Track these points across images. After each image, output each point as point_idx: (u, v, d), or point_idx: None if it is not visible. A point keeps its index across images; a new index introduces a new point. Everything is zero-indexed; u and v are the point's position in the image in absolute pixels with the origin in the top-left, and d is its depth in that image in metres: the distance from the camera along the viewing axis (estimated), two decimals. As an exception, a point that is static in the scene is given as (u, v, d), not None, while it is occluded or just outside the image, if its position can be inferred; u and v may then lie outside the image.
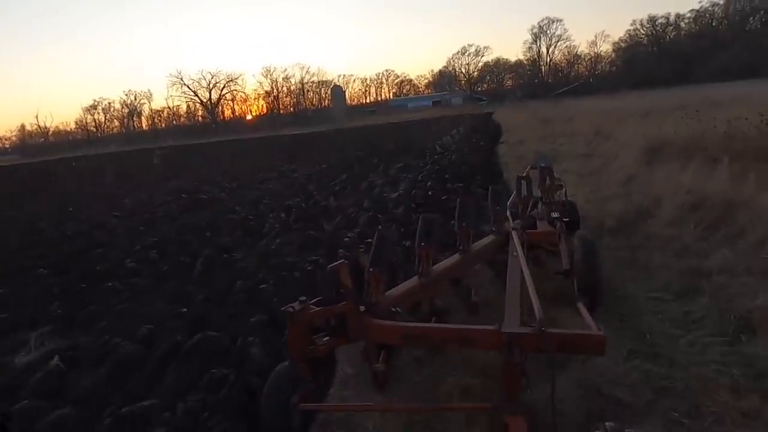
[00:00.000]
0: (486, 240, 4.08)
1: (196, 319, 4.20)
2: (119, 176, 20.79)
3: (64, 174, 26.84)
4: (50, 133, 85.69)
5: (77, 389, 3.33)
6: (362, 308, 2.63)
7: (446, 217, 5.95)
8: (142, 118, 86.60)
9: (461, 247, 3.70)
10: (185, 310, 4.50)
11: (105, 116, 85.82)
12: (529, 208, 5.10)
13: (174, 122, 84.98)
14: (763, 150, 6.59)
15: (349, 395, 2.89)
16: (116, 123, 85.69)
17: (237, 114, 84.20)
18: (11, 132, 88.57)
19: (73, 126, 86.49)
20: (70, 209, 12.10)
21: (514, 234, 3.82)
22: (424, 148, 16.47)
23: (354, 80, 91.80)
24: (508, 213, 4.64)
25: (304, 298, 2.53)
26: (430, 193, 8.71)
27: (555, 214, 4.27)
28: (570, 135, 14.28)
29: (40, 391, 3.34)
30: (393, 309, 2.90)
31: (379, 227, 3.81)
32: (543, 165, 5.17)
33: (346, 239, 6.18)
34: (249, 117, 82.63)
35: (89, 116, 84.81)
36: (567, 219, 4.24)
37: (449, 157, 13.75)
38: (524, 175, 5.47)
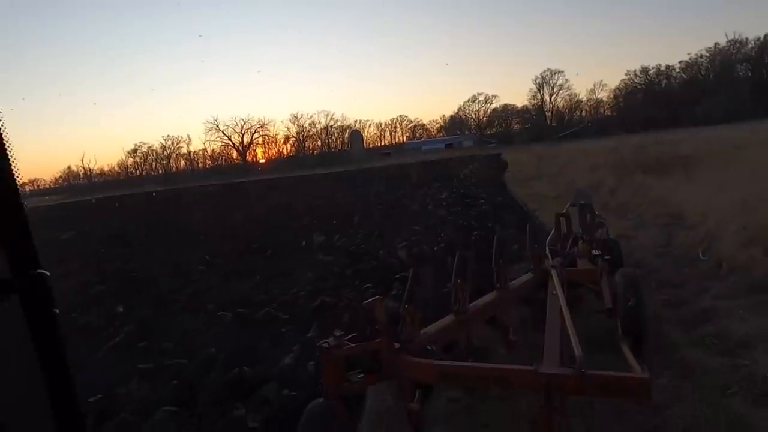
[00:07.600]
0: (524, 278, 4.02)
1: (384, 230, 10.45)
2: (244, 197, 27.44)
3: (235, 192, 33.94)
4: (93, 174, 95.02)
5: (370, 242, 9.54)
6: (397, 345, 2.60)
7: (469, 208, 12.18)
8: (180, 160, 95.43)
9: (498, 285, 3.59)
10: (368, 225, 10.75)
11: (145, 159, 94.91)
12: (569, 246, 4.99)
13: (203, 165, 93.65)
14: (641, 165, 12.89)
15: None
16: (153, 165, 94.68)
17: (267, 156, 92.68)
18: (57, 174, 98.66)
19: (116, 167, 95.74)
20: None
21: (553, 272, 3.70)
22: (452, 176, 23.06)
23: (370, 125, 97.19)
24: (547, 250, 4.56)
25: (339, 333, 2.51)
26: (463, 193, 15.14)
27: (596, 252, 4.22)
28: (552, 164, 20.90)
29: (363, 240, 9.54)
30: (428, 347, 2.83)
31: (411, 269, 4.01)
32: (583, 202, 5.04)
33: (428, 208, 12.56)
34: (278, 158, 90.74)
35: (131, 159, 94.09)
36: (608, 257, 4.16)
37: (471, 180, 20.35)
38: (563, 212, 5.32)
